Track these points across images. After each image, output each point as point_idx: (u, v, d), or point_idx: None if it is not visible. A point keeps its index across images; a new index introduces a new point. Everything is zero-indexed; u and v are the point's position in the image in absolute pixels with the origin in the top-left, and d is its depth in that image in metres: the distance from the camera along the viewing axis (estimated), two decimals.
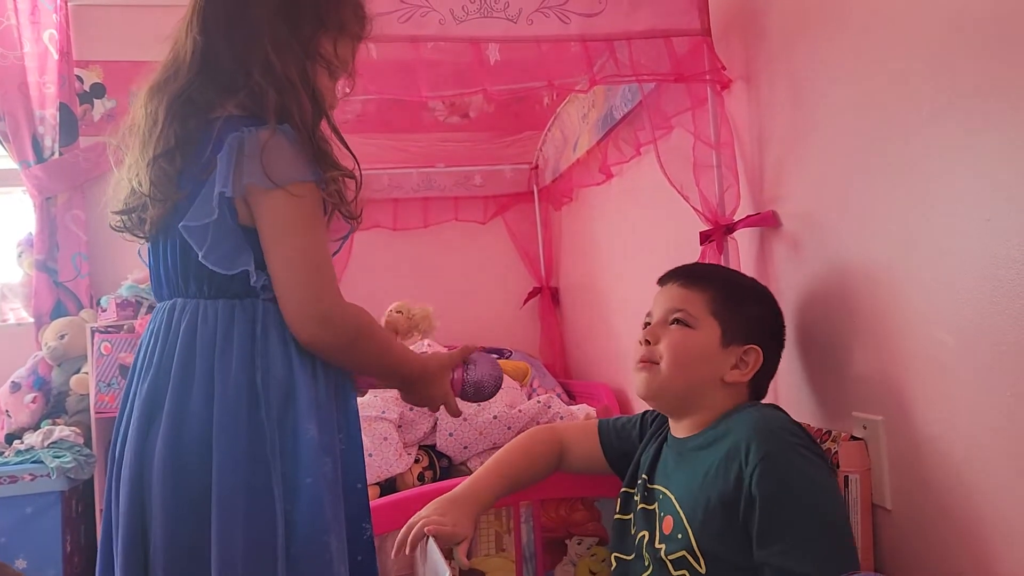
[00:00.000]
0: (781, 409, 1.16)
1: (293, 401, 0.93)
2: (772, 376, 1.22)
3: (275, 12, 0.95)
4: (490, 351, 2.83)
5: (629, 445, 1.32)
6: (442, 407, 1.09)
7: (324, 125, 0.99)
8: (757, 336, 1.17)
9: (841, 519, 1.02)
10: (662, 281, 1.25)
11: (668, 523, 1.11)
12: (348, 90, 1.08)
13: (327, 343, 0.94)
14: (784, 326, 1.23)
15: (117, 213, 1.00)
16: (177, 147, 0.93)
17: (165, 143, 0.94)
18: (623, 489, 1.26)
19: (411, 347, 1.29)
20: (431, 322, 2.06)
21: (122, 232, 1.02)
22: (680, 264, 1.27)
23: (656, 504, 1.16)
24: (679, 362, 1.14)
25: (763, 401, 1.19)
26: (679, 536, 1.07)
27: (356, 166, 1.00)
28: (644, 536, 1.16)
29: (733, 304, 1.17)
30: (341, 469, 0.98)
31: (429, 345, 2.06)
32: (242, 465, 0.90)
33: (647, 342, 1.18)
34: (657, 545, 1.12)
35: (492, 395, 1.13)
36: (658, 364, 1.15)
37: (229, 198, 0.90)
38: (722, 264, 1.46)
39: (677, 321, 1.16)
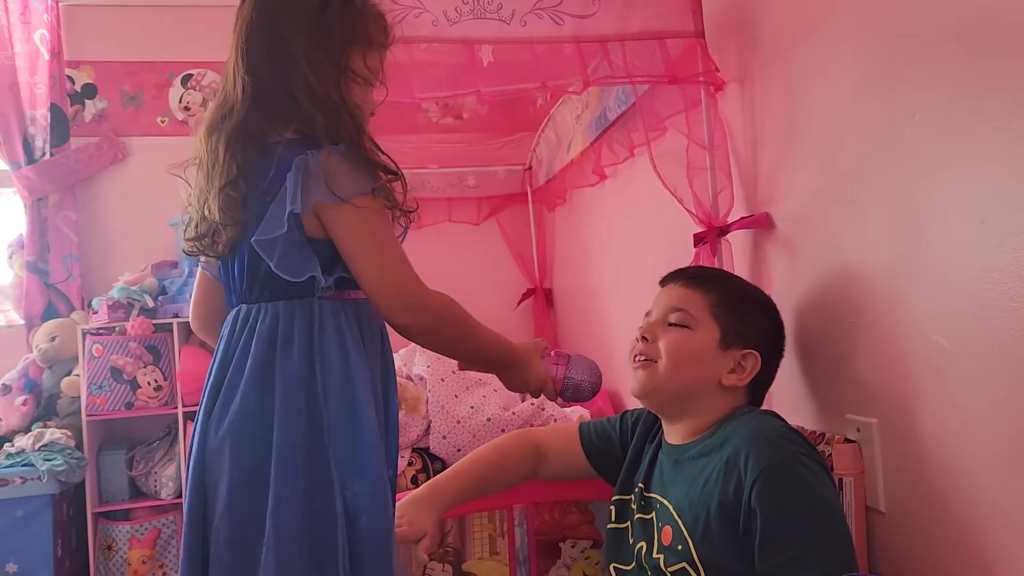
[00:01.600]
0: (778, 415, 1.15)
1: (351, 388, 1.02)
2: (769, 385, 1.21)
3: (308, 38, 1.03)
4: None
5: (610, 447, 1.30)
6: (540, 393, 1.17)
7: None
8: (756, 342, 1.16)
9: (843, 528, 1.00)
10: (664, 281, 1.23)
11: (667, 534, 1.10)
12: (384, 96, 1.15)
13: (418, 327, 1.03)
14: (784, 337, 1.22)
15: (190, 240, 1.11)
16: (240, 175, 1.03)
17: (228, 173, 1.03)
18: (616, 497, 1.25)
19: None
20: (417, 406, 2.04)
21: (196, 255, 1.13)
22: (674, 267, 1.27)
23: (653, 513, 1.15)
24: (676, 361, 1.13)
25: (762, 408, 1.19)
26: (679, 548, 1.06)
27: (397, 167, 1.08)
28: (642, 547, 1.14)
29: (734, 308, 1.16)
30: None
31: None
32: (302, 448, 0.98)
33: (644, 339, 1.17)
34: (655, 555, 1.10)
35: (589, 398, 1.19)
36: (656, 363, 1.15)
37: (297, 214, 1.00)
38: (718, 266, 1.46)
39: (676, 321, 1.16)
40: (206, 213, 1.07)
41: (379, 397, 1.08)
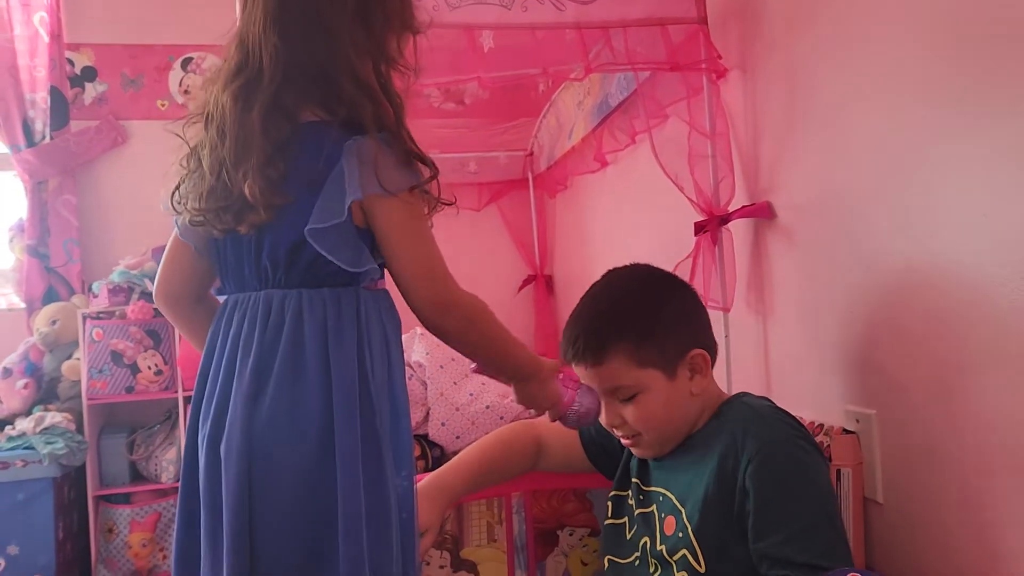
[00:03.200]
0: (770, 400, 1.14)
1: (392, 379, 1.02)
2: (715, 346, 1.16)
3: (353, 15, 0.98)
4: None
5: (609, 441, 1.28)
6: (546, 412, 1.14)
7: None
8: (688, 340, 1.11)
9: (834, 511, 1.01)
10: (571, 360, 1.15)
11: (670, 524, 1.09)
12: (413, 82, 1.10)
13: (449, 326, 1.01)
14: (688, 293, 1.17)
15: (197, 209, 1.03)
16: (277, 155, 0.97)
17: (265, 153, 0.97)
18: (613, 493, 1.24)
19: None
20: None
21: (199, 226, 1.05)
22: (675, 258, 1.25)
23: (654, 506, 1.14)
24: (654, 426, 1.11)
25: (757, 395, 1.18)
26: (680, 535, 1.05)
27: (431, 161, 1.04)
28: (646, 542, 1.13)
29: (649, 343, 1.09)
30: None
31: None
32: (359, 437, 0.96)
33: (614, 427, 1.15)
34: (659, 547, 1.10)
35: (587, 426, 1.20)
36: (641, 435, 1.12)
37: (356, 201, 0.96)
38: (719, 256, 1.45)
39: (622, 397, 1.11)
40: (229, 184, 0.98)
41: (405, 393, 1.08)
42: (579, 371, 1.14)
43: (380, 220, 0.98)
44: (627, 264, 1.21)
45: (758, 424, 1.03)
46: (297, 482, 0.95)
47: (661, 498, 1.13)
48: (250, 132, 0.97)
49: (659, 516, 1.12)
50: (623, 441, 1.16)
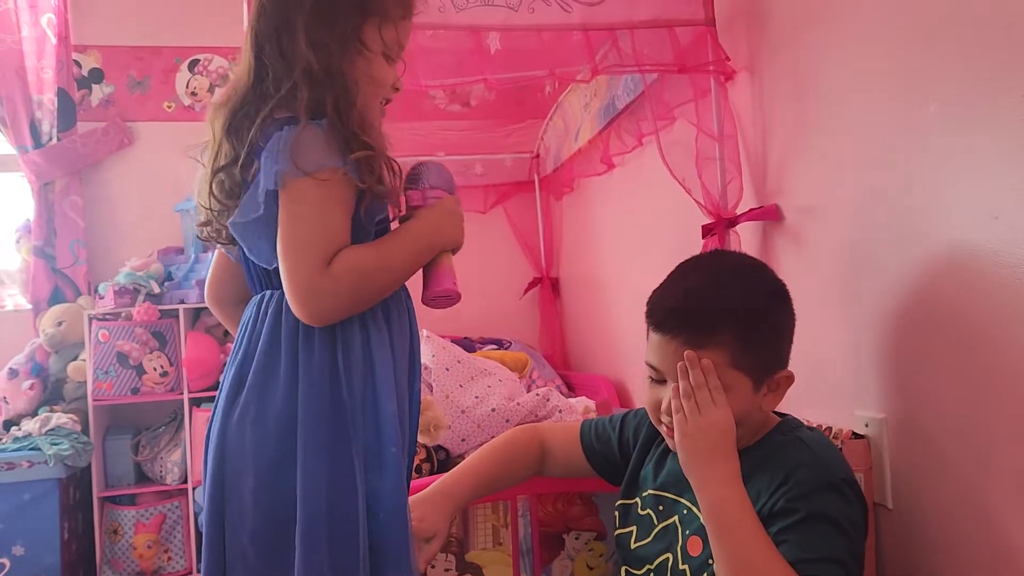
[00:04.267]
0: (823, 435, 1.10)
1: (372, 380, 1.01)
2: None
3: (312, 13, 1.00)
4: (490, 342, 2.83)
5: (608, 449, 1.27)
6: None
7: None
8: (783, 357, 1.05)
9: (858, 558, 0.96)
10: (660, 327, 1.05)
11: (695, 544, 1.04)
12: (402, 70, 1.11)
13: (326, 311, 0.97)
14: (790, 304, 1.09)
15: (200, 226, 1.09)
16: (233, 160, 1.00)
17: (223, 157, 1.01)
18: (620, 502, 1.21)
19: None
20: (432, 430, 1.79)
21: (210, 242, 1.11)
22: (682, 258, 1.22)
23: (676, 518, 1.09)
24: None
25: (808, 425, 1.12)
26: (709, 561, 0.98)
27: (382, 149, 1.03)
28: (667, 559, 1.08)
29: (754, 344, 1.02)
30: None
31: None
32: (326, 440, 0.98)
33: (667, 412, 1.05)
34: (681, 566, 1.05)
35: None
36: None
37: (274, 192, 0.95)
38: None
39: None
40: (200, 201, 1.05)
41: (403, 386, 1.06)
42: (661, 339, 1.04)
43: (281, 203, 0.96)
44: (741, 253, 1.14)
45: (810, 470, 0.97)
46: (257, 484, 0.98)
47: (685, 511, 1.08)
48: (213, 143, 1.03)
49: (682, 532, 1.07)
50: (664, 429, 1.07)
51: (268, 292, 1.04)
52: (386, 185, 1.01)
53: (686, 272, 1.11)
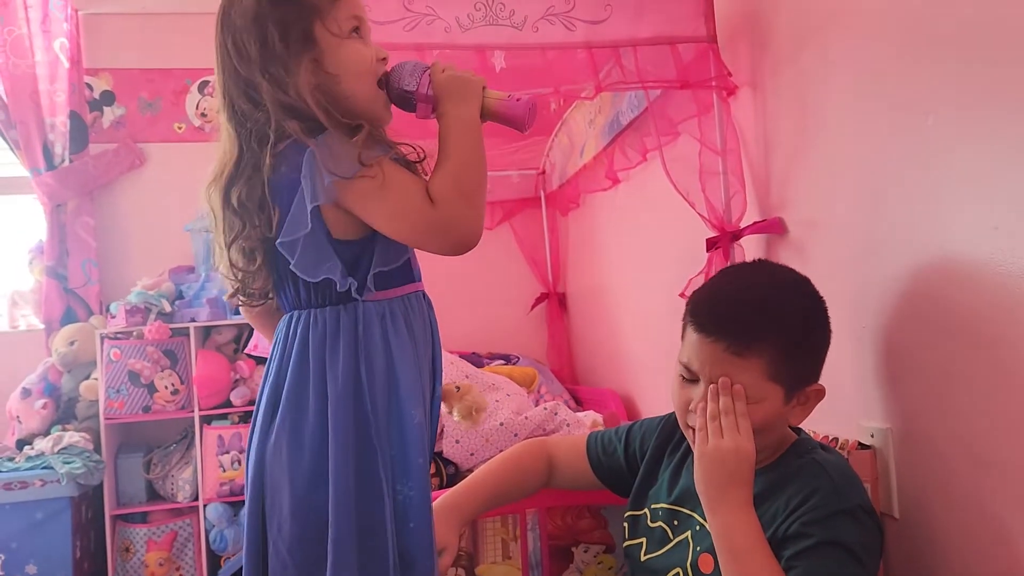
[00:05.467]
0: (843, 457, 1.10)
1: (396, 390, 1.03)
2: None
3: (261, 54, 1.00)
4: (498, 357, 2.83)
5: (615, 462, 1.28)
6: None
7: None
8: (816, 370, 1.05)
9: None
10: (703, 328, 1.03)
11: (707, 562, 1.04)
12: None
13: (465, 233, 1.00)
14: (827, 310, 1.08)
15: (231, 298, 1.13)
16: (243, 226, 1.03)
17: (231, 229, 1.04)
18: (628, 513, 1.21)
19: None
20: (474, 413, 1.66)
21: (245, 306, 1.16)
22: (687, 274, 1.23)
23: (689, 533, 1.09)
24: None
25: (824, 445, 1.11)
26: None
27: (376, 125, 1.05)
28: (678, 573, 1.08)
29: (793, 357, 1.02)
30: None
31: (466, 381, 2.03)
32: (352, 453, 1.00)
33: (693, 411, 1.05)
34: None
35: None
36: None
37: (318, 209, 0.99)
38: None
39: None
40: (225, 274, 1.08)
41: (427, 395, 1.08)
42: (701, 339, 1.03)
43: (356, 206, 1.00)
44: (785, 266, 1.12)
45: (825, 495, 0.97)
46: (293, 498, 1.00)
47: (698, 528, 1.08)
48: (215, 217, 1.06)
49: (694, 547, 1.07)
50: (687, 432, 1.07)
51: (296, 312, 1.07)
52: (395, 146, 1.04)
53: (733, 277, 1.12)
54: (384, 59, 1.07)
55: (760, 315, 1.02)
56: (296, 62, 1.00)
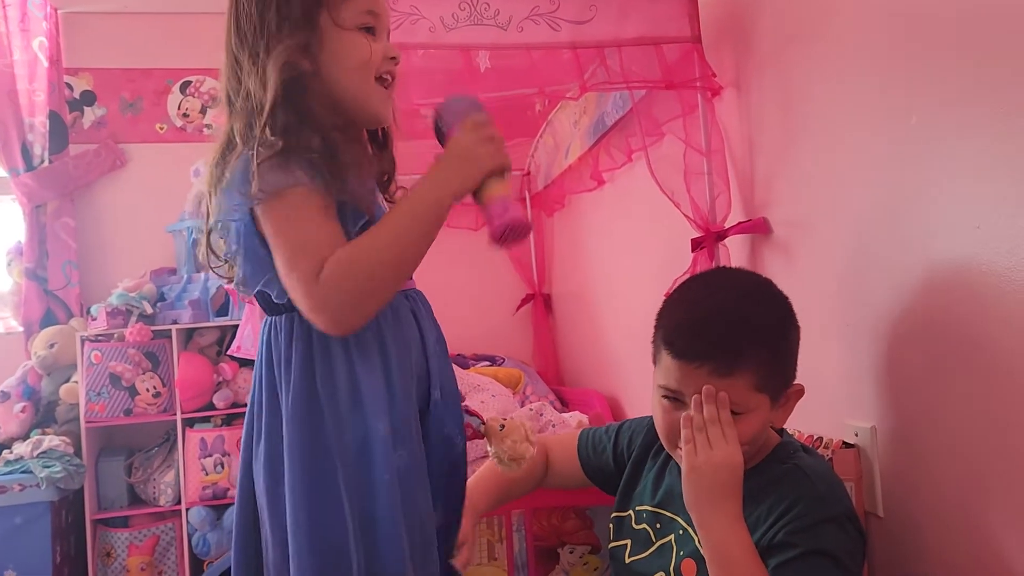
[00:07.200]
0: (825, 461, 1.10)
1: (359, 402, 0.95)
2: None
3: (254, 43, 0.96)
4: (484, 359, 2.83)
5: (604, 460, 1.28)
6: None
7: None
8: (794, 369, 1.06)
9: None
10: (683, 356, 1.01)
11: (689, 567, 1.04)
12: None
13: (337, 318, 0.91)
14: (792, 307, 1.08)
15: (231, 284, 1.06)
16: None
17: (213, 215, 1.00)
18: (614, 514, 1.21)
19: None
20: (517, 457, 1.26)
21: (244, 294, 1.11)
22: (672, 274, 1.22)
23: (672, 537, 1.08)
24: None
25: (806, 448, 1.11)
26: None
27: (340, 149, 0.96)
28: None
29: (777, 364, 1.03)
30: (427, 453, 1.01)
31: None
32: (307, 467, 0.95)
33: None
34: None
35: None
36: None
37: (252, 227, 0.93)
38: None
39: None
40: (201, 258, 1.06)
41: (404, 405, 0.98)
42: (683, 366, 1.01)
43: (267, 235, 0.93)
44: (746, 270, 1.10)
45: (809, 504, 0.97)
46: (271, 517, 0.98)
47: (681, 532, 1.08)
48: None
49: (676, 552, 1.07)
50: (675, 453, 1.05)
51: (267, 318, 1.03)
52: (350, 181, 0.93)
53: (699, 294, 1.08)
54: (394, 58, 1.01)
55: (739, 332, 1.00)
56: (278, 42, 0.94)
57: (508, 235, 0.91)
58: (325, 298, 0.89)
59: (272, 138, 0.91)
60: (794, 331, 1.06)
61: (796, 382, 1.07)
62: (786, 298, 1.08)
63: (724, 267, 1.13)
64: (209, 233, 1.01)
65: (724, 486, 0.97)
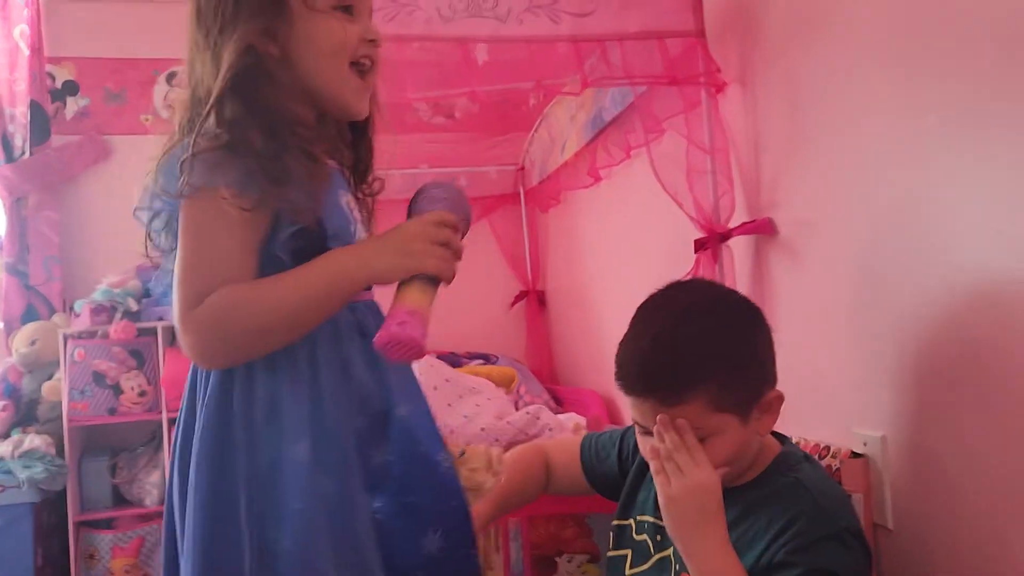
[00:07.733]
0: (828, 473, 1.07)
1: (276, 421, 0.88)
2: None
3: (215, 18, 0.88)
4: (476, 356, 2.79)
5: (608, 467, 1.25)
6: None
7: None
8: (766, 378, 1.01)
9: None
10: (631, 391, 1.00)
11: None
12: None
13: (194, 351, 0.86)
14: (763, 319, 1.04)
15: None
16: None
17: None
18: (615, 522, 1.18)
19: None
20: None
21: None
22: (673, 275, 1.17)
23: (671, 551, 1.06)
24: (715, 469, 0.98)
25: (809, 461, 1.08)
26: None
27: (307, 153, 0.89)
28: None
29: (735, 381, 0.98)
30: (397, 484, 0.93)
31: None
32: (209, 488, 0.88)
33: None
34: None
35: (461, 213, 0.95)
36: None
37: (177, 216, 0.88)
38: (719, 275, 1.41)
39: None
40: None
41: (334, 429, 0.89)
42: (632, 401, 1.01)
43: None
44: (699, 280, 1.07)
45: (810, 520, 0.94)
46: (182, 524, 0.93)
47: None
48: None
49: (675, 567, 1.05)
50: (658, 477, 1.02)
51: None
52: (290, 189, 0.84)
53: (642, 320, 1.04)
54: (373, 41, 0.93)
55: (679, 360, 0.97)
56: (240, 23, 0.86)
57: (392, 349, 0.85)
58: (195, 331, 0.85)
59: (217, 130, 0.85)
60: (761, 340, 1.02)
61: (776, 389, 1.02)
62: (747, 306, 1.05)
63: (679, 282, 1.09)
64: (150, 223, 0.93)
65: (704, 511, 0.94)
